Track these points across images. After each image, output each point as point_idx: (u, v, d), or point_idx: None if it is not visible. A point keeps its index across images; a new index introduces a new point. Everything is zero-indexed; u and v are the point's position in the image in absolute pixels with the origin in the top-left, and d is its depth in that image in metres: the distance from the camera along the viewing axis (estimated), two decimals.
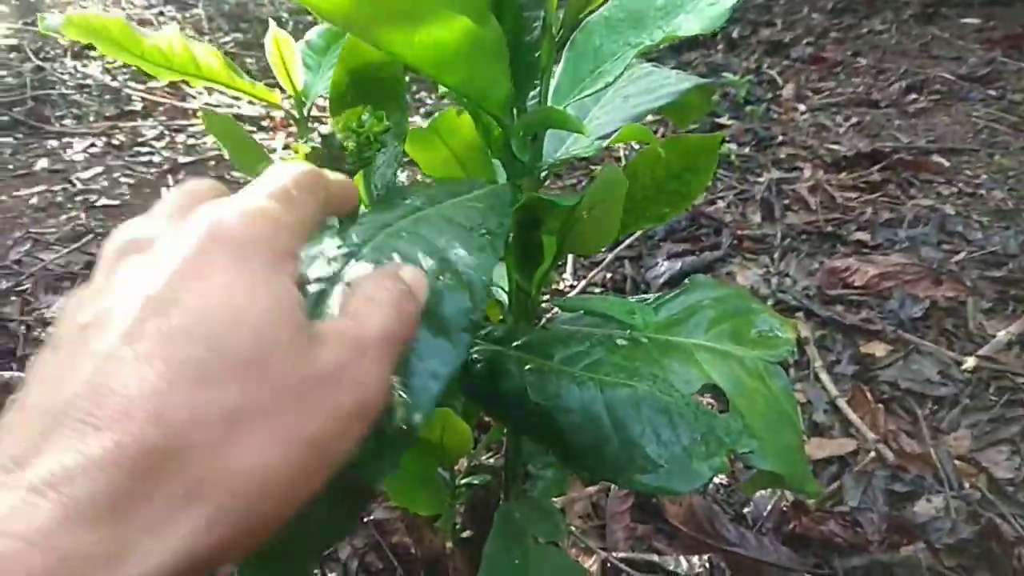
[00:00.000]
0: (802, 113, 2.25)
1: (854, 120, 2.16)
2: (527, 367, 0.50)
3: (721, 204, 1.71)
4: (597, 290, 1.50)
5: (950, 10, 3.19)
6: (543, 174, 0.59)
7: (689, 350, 0.60)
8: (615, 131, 0.60)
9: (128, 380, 0.22)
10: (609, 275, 1.52)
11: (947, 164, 1.84)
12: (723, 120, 2.17)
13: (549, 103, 0.59)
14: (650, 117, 0.64)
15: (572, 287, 1.52)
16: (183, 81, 0.47)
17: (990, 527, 0.97)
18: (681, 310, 0.64)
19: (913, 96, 2.34)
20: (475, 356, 0.52)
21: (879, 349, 1.26)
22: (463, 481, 0.70)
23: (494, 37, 0.46)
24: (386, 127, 0.51)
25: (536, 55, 0.52)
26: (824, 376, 1.21)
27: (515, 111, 0.54)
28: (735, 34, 3.02)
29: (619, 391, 0.48)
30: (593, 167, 1.88)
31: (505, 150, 0.55)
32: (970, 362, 1.21)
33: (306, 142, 0.50)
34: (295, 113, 0.49)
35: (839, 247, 1.53)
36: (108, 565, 0.20)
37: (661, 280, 1.47)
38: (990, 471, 1.06)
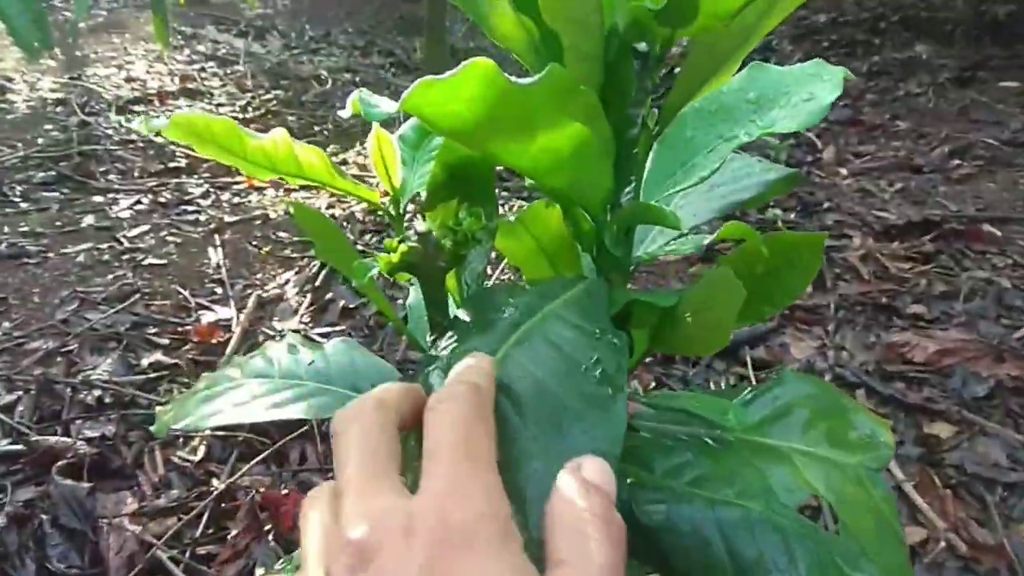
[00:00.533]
0: (844, 178, 2.23)
1: (899, 186, 2.14)
2: (628, 481, 0.48)
3: None
4: (646, 360, 1.47)
5: (987, 73, 3.17)
6: (632, 268, 0.58)
7: (787, 455, 0.57)
8: (704, 224, 0.59)
9: None
10: None
11: (999, 234, 1.81)
12: None
13: (641, 196, 0.57)
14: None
15: None
16: (280, 179, 0.46)
17: None
18: (773, 408, 0.62)
19: (956, 161, 2.31)
20: None
21: (944, 430, 1.22)
22: None
23: (603, 139, 0.44)
24: (483, 225, 0.50)
25: (635, 151, 0.51)
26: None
27: (608, 206, 0.52)
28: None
29: (731, 511, 0.45)
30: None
31: (597, 244, 0.53)
32: None
33: (401, 240, 0.48)
34: (391, 211, 0.48)
35: (895, 320, 1.49)
36: None
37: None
38: None
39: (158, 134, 0.43)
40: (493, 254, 0.63)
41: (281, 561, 0.59)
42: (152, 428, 0.54)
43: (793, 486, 0.53)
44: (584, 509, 0.28)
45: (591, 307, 0.47)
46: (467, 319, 0.44)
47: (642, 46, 0.47)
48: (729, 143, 0.54)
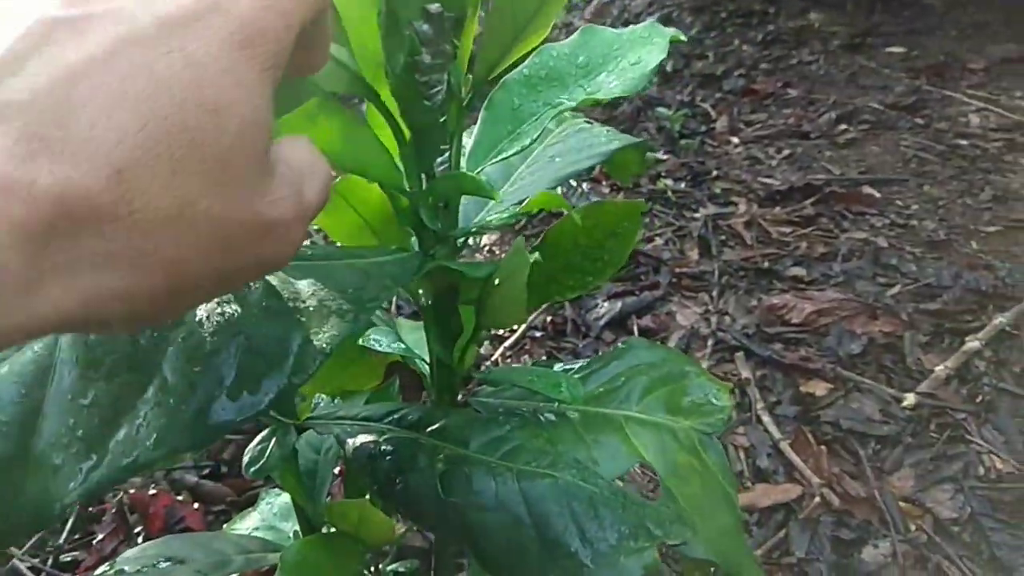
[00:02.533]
0: (735, 146, 2.26)
1: (786, 152, 2.18)
2: (440, 457, 0.46)
3: (659, 241, 1.70)
4: (538, 334, 1.47)
5: (876, 39, 3.27)
6: (460, 241, 0.56)
7: (620, 423, 0.56)
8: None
9: (97, 118, 0.20)
10: (549, 318, 1.49)
11: (878, 195, 1.87)
12: (659, 155, 2.17)
13: (463, 166, 0.55)
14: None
15: (512, 331, 1.48)
16: None
17: (938, 573, 0.95)
18: (613, 377, 0.61)
19: (843, 127, 2.37)
20: (384, 446, 0.48)
21: (819, 388, 1.25)
22: (388, 569, 0.65)
23: (354, 118, 0.43)
24: None
25: (443, 119, 0.49)
26: (766, 418, 1.20)
27: (423, 177, 0.50)
28: (669, 68, 3.05)
29: (539, 483, 0.44)
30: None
31: (414, 218, 0.51)
32: (910, 399, 1.21)
33: None
34: None
35: (776, 283, 1.52)
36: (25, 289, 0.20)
37: (602, 322, 1.44)
38: (935, 512, 1.04)
39: None
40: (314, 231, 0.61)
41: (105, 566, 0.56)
42: None
43: (620, 455, 0.53)
44: (321, 159, 0.29)
45: (394, 274, 0.45)
46: None
47: (434, 7, 0.44)
48: (554, 109, 0.53)
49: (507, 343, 1.43)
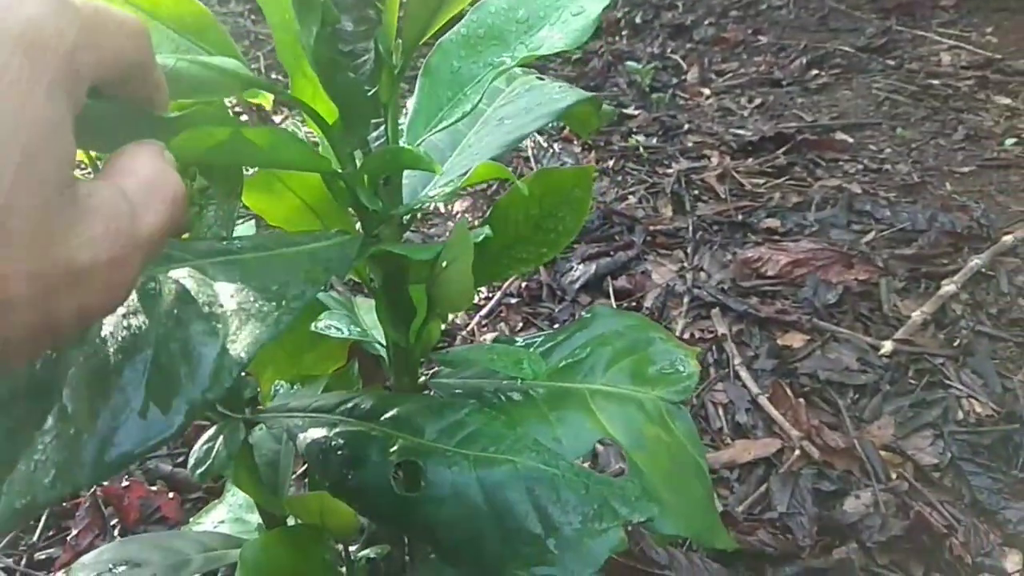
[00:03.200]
0: (707, 97, 2.23)
1: (758, 101, 2.15)
2: (393, 449, 0.44)
3: (632, 200, 1.67)
4: (513, 300, 1.45)
5: None
6: (406, 218, 0.53)
7: (584, 397, 0.54)
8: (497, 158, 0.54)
9: None
10: (524, 284, 1.47)
11: (851, 141, 1.85)
12: (630, 111, 2.14)
13: (404, 139, 0.52)
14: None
15: (488, 298, 1.46)
16: None
17: (919, 520, 0.95)
18: (577, 348, 0.59)
19: (814, 72, 2.35)
20: (334, 441, 0.46)
21: (796, 340, 1.24)
22: (360, 555, 0.63)
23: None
24: (203, 184, 0.44)
25: (373, 89, 0.46)
26: (744, 373, 1.18)
27: (357, 155, 0.47)
28: (638, 19, 3.00)
29: (496, 470, 0.43)
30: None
31: (353, 199, 0.48)
32: (887, 346, 1.20)
33: None
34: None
35: (750, 236, 1.51)
36: None
37: (577, 285, 1.42)
38: (915, 459, 1.04)
39: None
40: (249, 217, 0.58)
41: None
42: None
43: (584, 431, 0.51)
44: (167, 175, 0.25)
45: (334, 259, 0.42)
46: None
47: None
48: (496, 70, 0.50)
49: (482, 312, 1.41)
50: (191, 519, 0.71)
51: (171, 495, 1.05)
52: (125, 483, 1.04)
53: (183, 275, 0.32)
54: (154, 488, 1.06)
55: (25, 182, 0.19)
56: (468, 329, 1.39)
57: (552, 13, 0.53)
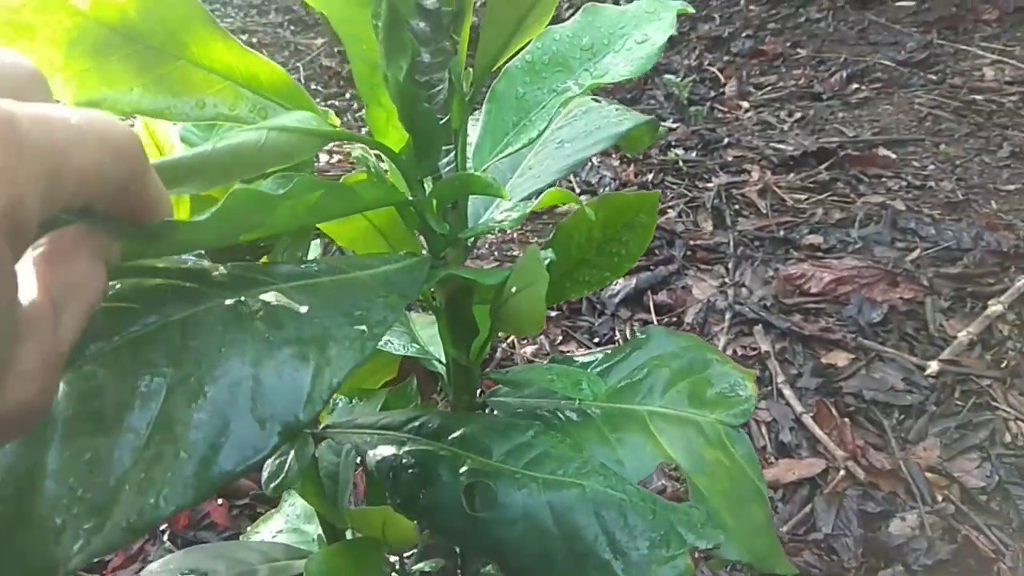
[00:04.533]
0: (746, 111, 2.22)
1: (798, 115, 2.14)
2: (463, 469, 0.45)
3: (672, 214, 1.68)
4: (553, 314, 1.45)
5: None
6: (471, 241, 0.54)
7: (643, 419, 0.55)
8: (543, 190, 0.55)
9: None
10: None
11: (894, 157, 1.83)
12: (668, 124, 2.14)
13: (470, 163, 0.53)
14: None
15: None
16: None
17: (966, 543, 0.94)
18: (635, 370, 0.60)
19: (855, 86, 2.33)
20: (405, 459, 0.47)
21: (840, 359, 1.23)
22: (415, 568, 0.64)
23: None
24: None
25: (446, 118, 0.47)
26: (788, 392, 1.18)
27: (428, 181, 0.49)
28: (675, 31, 2.99)
29: (566, 493, 0.43)
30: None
31: (421, 223, 0.49)
32: (933, 367, 1.19)
33: None
34: None
35: (792, 252, 1.50)
36: None
37: (617, 300, 1.43)
38: (962, 481, 1.03)
39: None
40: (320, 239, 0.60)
41: None
42: None
43: (645, 453, 0.51)
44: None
45: (406, 283, 0.43)
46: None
47: (429, 2, 0.42)
48: (561, 96, 0.51)
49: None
50: (248, 528, 0.72)
51: (220, 502, 1.07)
52: None
53: (272, 299, 0.34)
54: None
55: None
56: (508, 341, 1.40)
57: (616, 41, 0.54)
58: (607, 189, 1.80)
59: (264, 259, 0.47)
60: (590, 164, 1.92)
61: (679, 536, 0.43)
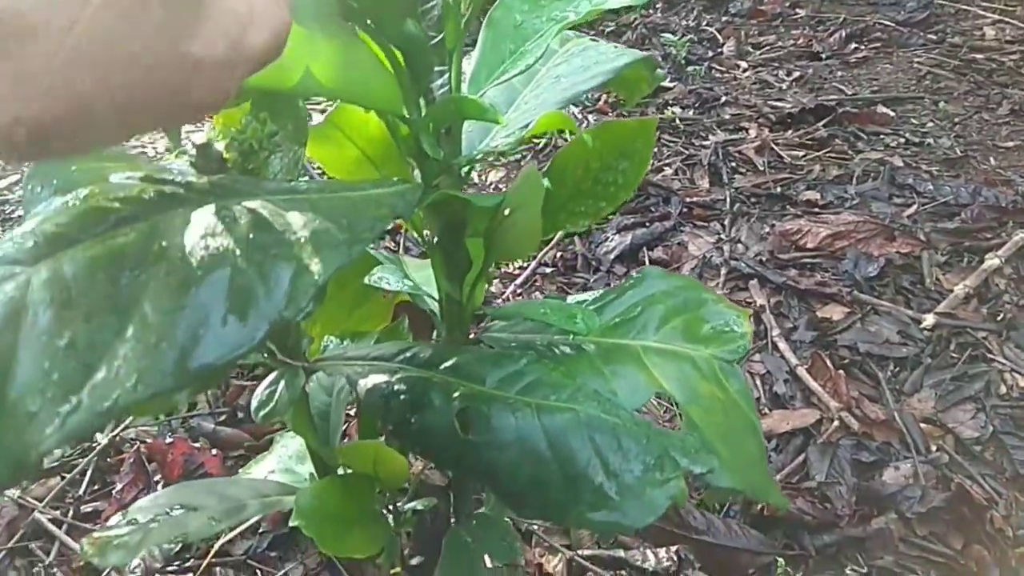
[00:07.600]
0: (744, 70, 2.20)
1: (796, 74, 2.12)
2: (455, 395, 0.44)
3: (668, 171, 1.66)
4: (548, 270, 1.45)
5: None
6: (464, 170, 0.53)
7: (637, 354, 0.54)
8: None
9: None
10: (559, 253, 1.47)
11: (892, 114, 1.82)
12: (665, 83, 2.11)
13: (465, 89, 0.52)
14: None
15: (522, 268, 1.46)
16: None
17: (960, 492, 0.94)
18: (629, 307, 0.59)
19: (854, 45, 2.31)
20: (396, 386, 0.46)
21: (836, 312, 1.23)
22: (407, 507, 0.64)
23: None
24: (273, 130, 0.44)
25: (439, 38, 0.46)
26: (782, 344, 1.18)
27: (421, 103, 0.47)
28: None
29: (559, 416, 0.43)
30: (559, 144, 1.81)
31: (415, 147, 0.48)
32: (929, 320, 1.19)
33: (178, 154, 0.43)
34: None
35: (789, 208, 1.49)
36: None
37: (612, 256, 1.42)
38: (956, 432, 1.03)
39: None
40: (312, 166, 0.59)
41: None
42: None
43: (640, 386, 0.51)
44: None
45: (398, 204, 0.42)
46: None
47: None
48: (559, 24, 0.50)
49: (517, 281, 1.41)
50: (240, 470, 0.72)
51: (214, 452, 1.06)
52: (169, 439, 1.06)
53: (257, 205, 0.33)
54: (197, 445, 1.08)
55: None
56: (503, 297, 1.39)
57: None
58: None
59: None
60: (587, 122, 1.90)
61: (673, 460, 0.43)
